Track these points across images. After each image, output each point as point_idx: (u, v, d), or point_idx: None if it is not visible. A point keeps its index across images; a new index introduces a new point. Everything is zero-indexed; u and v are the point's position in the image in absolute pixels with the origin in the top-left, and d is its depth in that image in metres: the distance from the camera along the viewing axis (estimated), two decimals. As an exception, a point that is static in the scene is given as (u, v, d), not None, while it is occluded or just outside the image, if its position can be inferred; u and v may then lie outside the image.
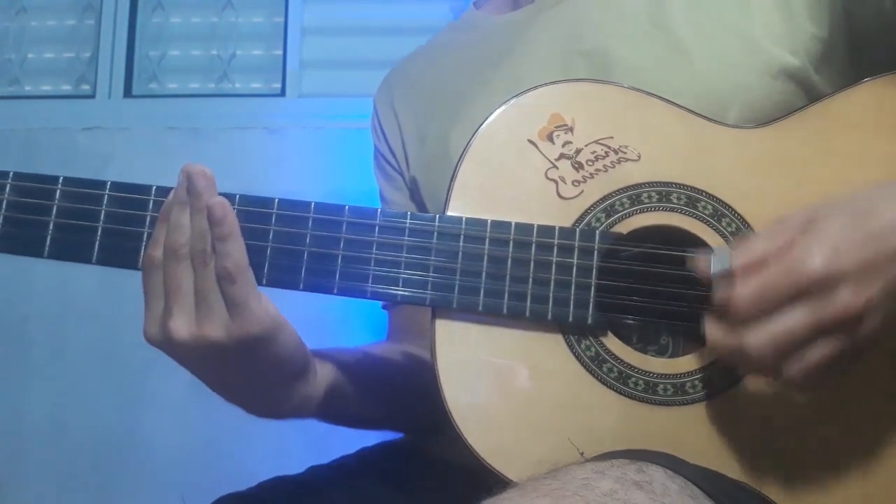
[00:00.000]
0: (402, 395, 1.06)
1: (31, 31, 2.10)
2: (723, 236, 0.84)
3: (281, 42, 2.04)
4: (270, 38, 2.08)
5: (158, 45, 2.09)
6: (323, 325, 1.68)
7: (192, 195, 0.82)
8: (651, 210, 0.85)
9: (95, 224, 0.86)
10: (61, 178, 0.87)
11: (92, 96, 2.05)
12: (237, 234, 0.82)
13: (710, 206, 0.84)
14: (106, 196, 0.86)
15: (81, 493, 1.88)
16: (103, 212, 0.86)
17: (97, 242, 0.86)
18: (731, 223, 0.84)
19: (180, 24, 2.10)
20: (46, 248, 0.86)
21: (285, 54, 2.03)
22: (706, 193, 0.85)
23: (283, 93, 2.03)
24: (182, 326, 0.81)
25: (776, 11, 0.94)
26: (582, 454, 0.80)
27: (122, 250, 0.86)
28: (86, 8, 2.09)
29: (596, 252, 0.83)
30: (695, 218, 0.85)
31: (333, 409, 1.00)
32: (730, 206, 0.85)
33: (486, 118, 0.87)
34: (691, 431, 0.82)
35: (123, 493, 1.87)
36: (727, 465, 0.80)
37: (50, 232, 0.86)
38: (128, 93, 2.05)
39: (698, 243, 0.84)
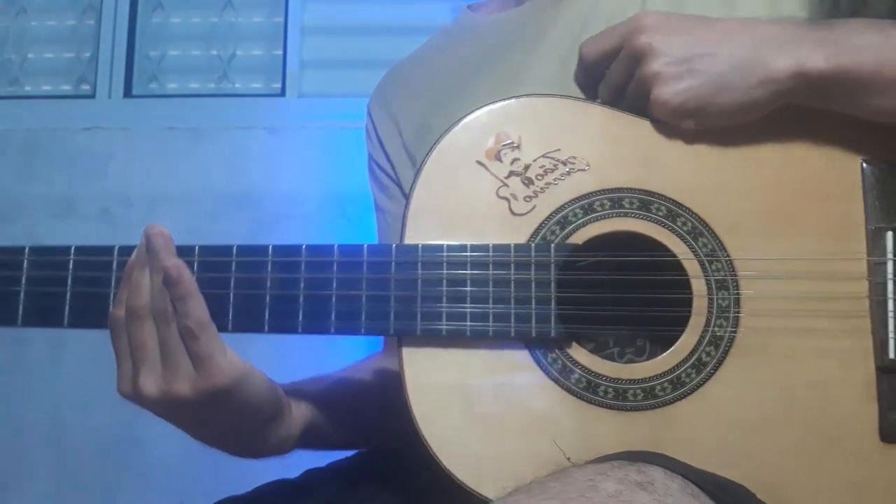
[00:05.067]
0: (381, 418, 1.05)
1: (31, 31, 2.11)
2: (679, 236, 0.83)
3: (281, 42, 2.05)
4: (270, 38, 2.08)
5: (158, 45, 2.10)
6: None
7: (151, 255, 0.84)
8: (605, 218, 0.85)
9: (63, 289, 0.87)
10: (27, 247, 0.88)
11: (92, 96, 2.05)
12: (195, 293, 0.83)
13: (663, 208, 0.84)
14: (71, 261, 0.87)
15: (81, 493, 1.89)
16: (70, 277, 0.87)
17: (67, 307, 0.87)
18: (687, 222, 0.84)
19: (180, 24, 2.10)
20: (19, 318, 0.88)
21: (285, 54, 2.03)
22: (658, 195, 0.85)
23: (283, 93, 2.03)
24: (150, 383, 0.82)
25: (762, 6, 0.94)
26: (569, 459, 0.80)
27: (91, 312, 0.87)
28: (86, 8, 2.10)
29: (552, 265, 0.83)
30: (649, 221, 0.84)
31: (313, 443, 1.01)
32: (683, 206, 0.84)
33: (435, 144, 0.87)
34: (665, 434, 0.81)
35: (123, 493, 1.88)
36: (703, 463, 0.79)
37: (21, 301, 0.88)
38: (128, 93, 2.05)
39: (655, 246, 0.84)
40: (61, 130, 1.99)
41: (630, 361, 0.89)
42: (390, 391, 1.00)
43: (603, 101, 0.88)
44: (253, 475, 1.09)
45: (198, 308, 0.82)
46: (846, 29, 0.81)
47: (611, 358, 0.88)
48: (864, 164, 0.83)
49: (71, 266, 0.87)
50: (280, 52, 2.05)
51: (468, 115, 0.88)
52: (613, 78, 0.87)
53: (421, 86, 1.18)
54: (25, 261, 0.88)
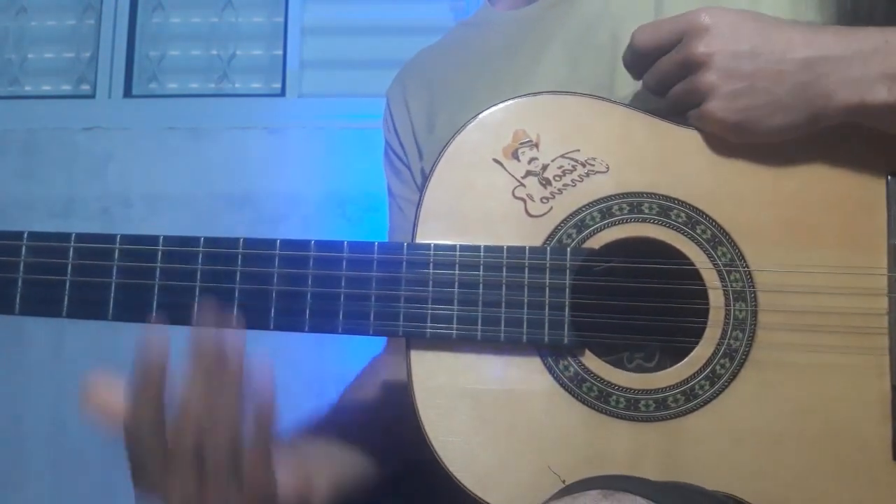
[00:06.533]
0: (398, 437, 1.04)
1: (31, 31, 2.11)
2: (698, 244, 0.82)
3: (281, 42, 2.05)
4: (270, 38, 2.08)
5: (158, 45, 2.10)
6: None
7: (219, 367, 0.74)
8: (623, 222, 0.83)
9: (63, 278, 0.84)
10: (26, 232, 0.85)
11: (92, 96, 2.06)
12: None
13: (683, 214, 0.82)
14: (71, 248, 0.85)
15: (81, 493, 1.89)
16: (69, 265, 0.84)
17: (66, 296, 0.84)
18: (707, 230, 0.82)
19: (180, 24, 2.11)
20: (17, 306, 0.85)
21: (285, 54, 2.04)
22: (678, 201, 0.83)
23: (283, 93, 2.03)
24: None
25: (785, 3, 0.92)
26: (563, 481, 0.79)
27: (90, 302, 0.84)
28: (86, 8, 2.10)
29: (568, 270, 0.81)
30: (668, 227, 0.82)
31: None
32: (704, 213, 0.82)
33: (450, 141, 0.85)
34: (676, 446, 0.80)
35: (122, 493, 1.87)
36: (712, 477, 0.79)
37: (19, 288, 0.85)
38: (128, 93, 2.06)
39: (673, 253, 0.82)
40: (61, 130, 1.99)
41: (640, 366, 0.88)
42: (400, 408, 0.99)
43: (647, 88, 0.86)
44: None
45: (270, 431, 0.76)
46: None
47: (620, 362, 0.87)
48: (891, 178, 0.81)
49: (71, 254, 0.84)
50: (280, 52, 2.05)
51: (485, 110, 0.85)
52: (663, 72, 0.84)
53: (434, 77, 1.17)
54: (24, 247, 0.85)
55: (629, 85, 0.91)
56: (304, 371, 1.84)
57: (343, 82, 2.00)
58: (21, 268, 0.85)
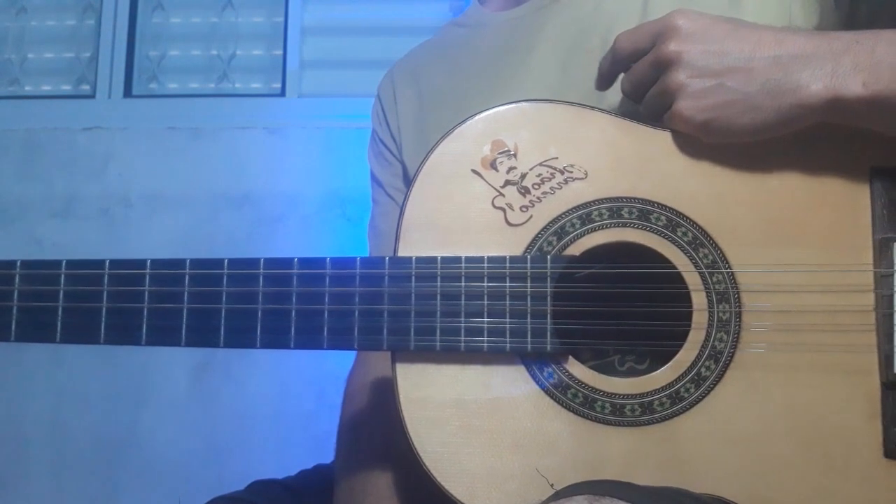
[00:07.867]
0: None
1: (31, 31, 2.12)
2: (679, 247, 0.82)
3: (281, 42, 2.05)
4: (270, 38, 2.08)
5: (158, 45, 2.10)
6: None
7: None
8: (603, 228, 0.83)
9: (55, 304, 0.86)
10: (19, 261, 0.87)
11: (92, 96, 2.06)
12: None
13: (663, 218, 0.82)
14: (62, 275, 0.86)
15: (81, 493, 1.89)
16: (61, 292, 0.86)
17: (59, 323, 0.86)
18: (687, 232, 0.82)
19: (180, 24, 2.11)
20: (12, 333, 0.87)
21: (285, 54, 2.03)
22: (658, 204, 0.83)
23: (283, 93, 2.03)
24: None
25: (771, 5, 0.93)
26: (552, 485, 0.79)
27: (82, 327, 0.85)
28: (86, 8, 2.11)
29: (549, 278, 0.82)
30: (649, 231, 0.82)
31: None
32: (683, 215, 0.82)
33: (429, 153, 0.86)
34: (662, 449, 0.80)
35: (122, 493, 1.88)
36: (701, 479, 0.79)
37: (14, 316, 0.86)
38: (128, 93, 2.06)
39: (655, 257, 0.82)
40: (61, 130, 2.00)
41: (631, 369, 0.88)
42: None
43: (625, 94, 0.86)
44: (254, 473, 1.10)
45: None
46: (887, 50, 0.76)
47: (611, 366, 0.88)
48: (873, 172, 0.81)
49: (62, 280, 0.86)
50: (280, 52, 2.05)
51: (463, 122, 0.86)
52: (637, 75, 0.85)
53: (425, 78, 1.17)
54: (17, 275, 0.87)
55: (618, 89, 0.90)
56: (304, 371, 1.85)
57: (343, 82, 2.00)
58: (15, 296, 0.86)
